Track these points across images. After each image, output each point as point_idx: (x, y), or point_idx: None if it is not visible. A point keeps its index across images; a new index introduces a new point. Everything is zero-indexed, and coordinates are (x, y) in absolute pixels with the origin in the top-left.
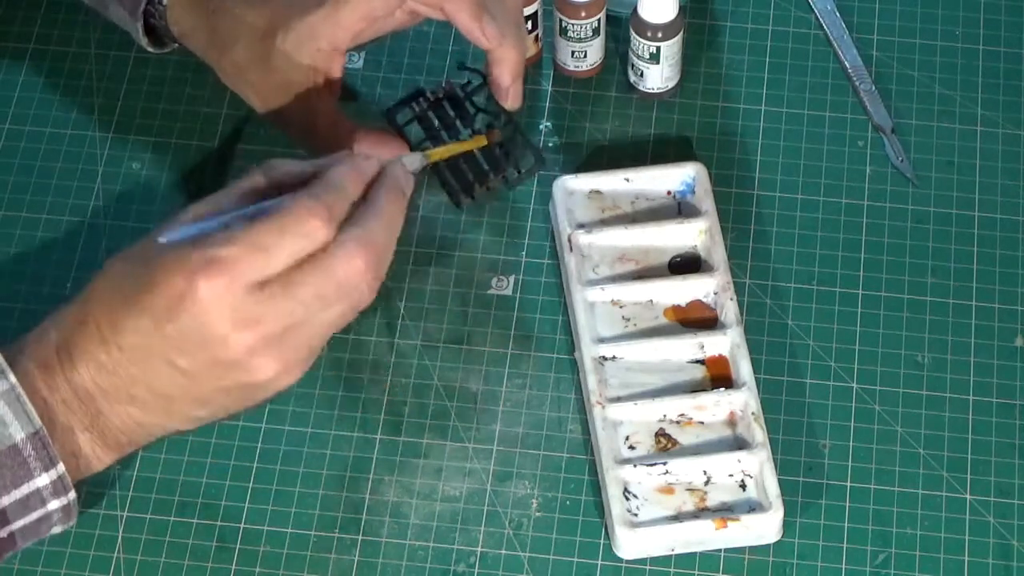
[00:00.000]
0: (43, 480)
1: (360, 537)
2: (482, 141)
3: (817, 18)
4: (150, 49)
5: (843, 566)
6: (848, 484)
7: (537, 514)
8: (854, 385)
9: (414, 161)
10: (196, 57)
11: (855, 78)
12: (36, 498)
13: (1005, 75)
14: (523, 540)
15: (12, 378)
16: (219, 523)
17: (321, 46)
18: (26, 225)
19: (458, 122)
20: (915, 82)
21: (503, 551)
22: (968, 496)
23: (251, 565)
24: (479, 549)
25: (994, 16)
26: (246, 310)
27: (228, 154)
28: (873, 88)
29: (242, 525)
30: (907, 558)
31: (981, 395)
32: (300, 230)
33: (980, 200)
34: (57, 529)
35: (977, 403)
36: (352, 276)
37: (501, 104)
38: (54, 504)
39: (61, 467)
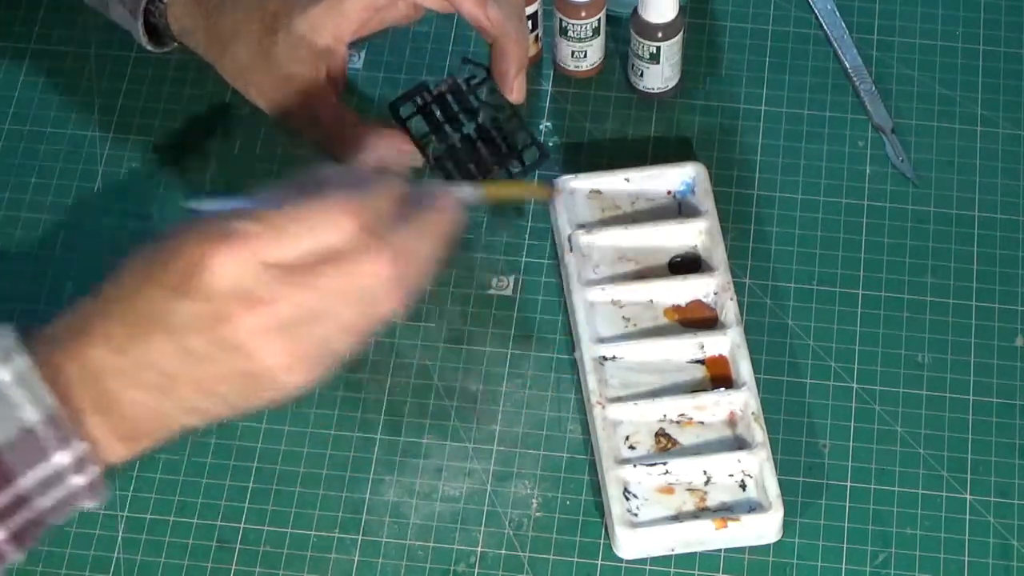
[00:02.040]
0: (62, 458)
1: (360, 537)
2: (546, 193)
3: (817, 18)
4: (150, 48)
5: (843, 566)
6: (848, 484)
7: (537, 514)
8: (854, 385)
9: (469, 193)
10: (196, 57)
11: (855, 78)
12: (57, 479)
13: (1005, 75)
14: (523, 540)
15: (27, 359)
16: (219, 523)
17: (324, 38)
18: (26, 225)
19: (461, 116)
20: (915, 82)
21: (503, 551)
22: (968, 496)
23: (251, 565)
24: (479, 549)
25: (994, 16)
26: (259, 288)
27: (228, 154)
28: (873, 88)
29: (242, 525)
30: (907, 558)
31: (981, 395)
32: (328, 222)
33: (980, 200)
34: (87, 502)
35: (977, 403)
36: (376, 279)
37: (505, 97)
38: (78, 481)
39: (81, 444)
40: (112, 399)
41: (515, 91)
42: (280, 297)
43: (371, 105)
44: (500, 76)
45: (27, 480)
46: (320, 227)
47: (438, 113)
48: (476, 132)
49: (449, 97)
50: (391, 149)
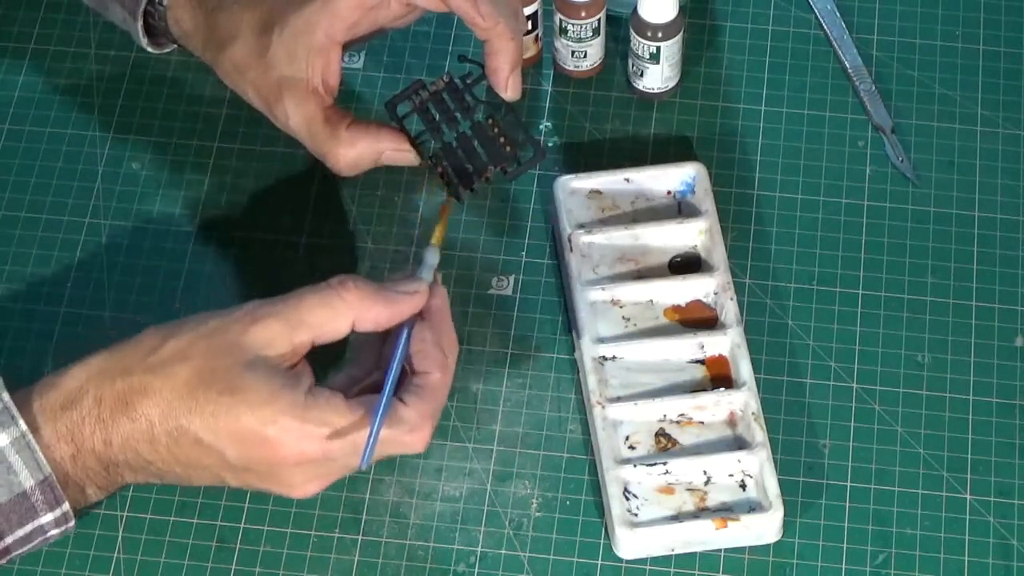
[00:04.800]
0: (47, 518)
1: (360, 537)
2: (450, 206)
3: (817, 18)
4: (150, 49)
5: (843, 566)
6: (848, 484)
7: (537, 514)
8: (854, 385)
9: (433, 257)
10: (196, 57)
11: (855, 78)
12: (39, 532)
13: (1005, 75)
14: (523, 540)
15: (23, 425)
16: (219, 523)
17: (318, 38)
18: (26, 225)
19: (458, 114)
20: (915, 82)
21: (503, 551)
22: (968, 496)
23: (251, 565)
24: (479, 549)
25: (994, 16)
26: (317, 471)
27: (228, 154)
28: (873, 88)
29: (242, 525)
30: (907, 558)
31: (981, 395)
32: (402, 448)
33: (980, 200)
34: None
35: (977, 403)
36: (418, 447)
37: (500, 95)
38: (54, 532)
39: (66, 505)
40: (122, 480)
41: (509, 89)
42: (334, 472)
43: (370, 105)
44: (494, 73)
45: (13, 536)
46: (396, 447)
47: (434, 111)
48: (472, 130)
49: (445, 95)
50: (387, 148)
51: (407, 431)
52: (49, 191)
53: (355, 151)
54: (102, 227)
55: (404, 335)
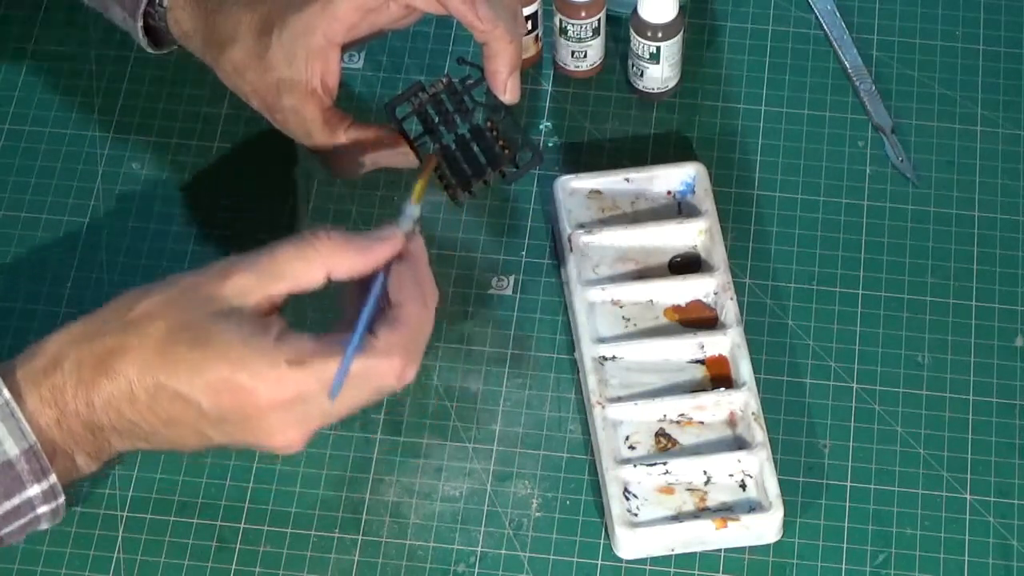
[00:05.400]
0: (35, 490)
1: (360, 537)
2: (432, 161)
3: (817, 18)
4: (150, 49)
5: (843, 566)
6: (848, 484)
7: (537, 514)
8: (854, 385)
9: (413, 209)
10: (196, 57)
11: (855, 78)
12: (27, 506)
13: (1005, 75)
14: (523, 540)
15: (6, 393)
16: (219, 523)
17: (317, 40)
18: (26, 225)
19: (457, 117)
20: (915, 82)
21: (503, 551)
22: (968, 496)
23: (251, 565)
24: (479, 549)
25: (994, 16)
26: (294, 415)
27: (228, 154)
28: (873, 88)
29: (242, 525)
30: (907, 558)
31: (981, 395)
32: (378, 384)
33: (980, 200)
34: (44, 526)
35: (977, 403)
36: (390, 377)
37: (499, 98)
38: (43, 509)
39: (53, 477)
40: (110, 446)
41: (508, 91)
42: (312, 414)
43: (370, 106)
44: (492, 76)
45: (0, 509)
46: (373, 384)
47: (433, 113)
48: (471, 132)
49: (444, 97)
50: (386, 150)
51: (378, 358)
52: (49, 191)
53: (353, 154)
54: (102, 227)
55: (379, 277)
